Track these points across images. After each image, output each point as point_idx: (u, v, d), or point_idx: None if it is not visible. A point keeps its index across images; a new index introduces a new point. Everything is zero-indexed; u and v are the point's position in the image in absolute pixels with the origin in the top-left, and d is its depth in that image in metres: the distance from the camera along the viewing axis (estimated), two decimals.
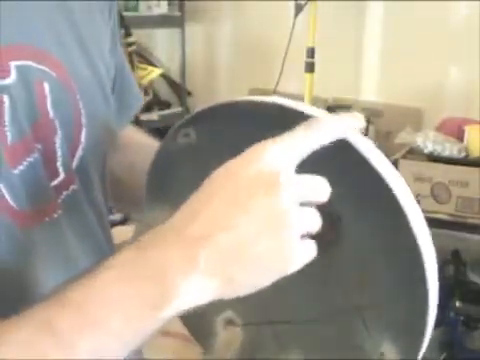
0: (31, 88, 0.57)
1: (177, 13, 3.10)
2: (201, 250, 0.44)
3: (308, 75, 2.32)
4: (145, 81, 2.86)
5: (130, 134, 0.82)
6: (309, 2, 2.31)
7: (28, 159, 0.56)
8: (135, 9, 2.98)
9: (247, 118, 0.57)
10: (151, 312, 0.47)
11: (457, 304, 2.34)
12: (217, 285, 0.45)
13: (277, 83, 2.47)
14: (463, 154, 2.11)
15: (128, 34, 2.80)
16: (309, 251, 0.47)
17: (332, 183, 0.49)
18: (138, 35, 2.95)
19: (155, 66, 3.00)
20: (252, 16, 2.97)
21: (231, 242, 0.44)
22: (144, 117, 2.77)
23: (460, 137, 2.19)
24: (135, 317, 0.46)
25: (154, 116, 2.96)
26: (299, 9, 2.33)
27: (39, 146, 0.57)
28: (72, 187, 0.61)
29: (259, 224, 0.45)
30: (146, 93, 2.92)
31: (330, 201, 0.51)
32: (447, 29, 2.58)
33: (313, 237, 0.50)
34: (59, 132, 0.59)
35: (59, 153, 0.59)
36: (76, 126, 0.61)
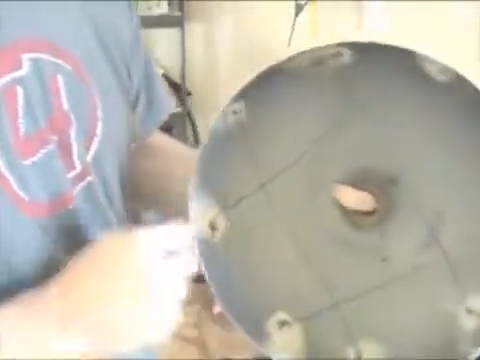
0: (45, 80, 0.57)
1: (177, 13, 3.10)
2: (74, 321, 0.51)
3: None
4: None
5: (158, 140, 0.82)
6: (309, 2, 2.31)
7: (42, 151, 0.57)
8: (135, 9, 2.97)
9: (303, 82, 0.56)
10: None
11: None
12: (84, 347, 0.51)
13: None
14: None
15: None
16: (174, 316, 0.53)
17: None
18: None
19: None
20: (252, 16, 2.97)
21: (99, 318, 0.51)
22: None
23: None
24: None
25: None
26: (299, 9, 2.33)
27: (55, 138, 0.58)
28: (88, 179, 0.62)
29: (126, 307, 0.51)
30: None
31: (385, 164, 0.56)
32: (447, 30, 2.58)
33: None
34: (74, 124, 0.60)
35: (75, 145, 0.60)
36: (92, 119, 0.62)
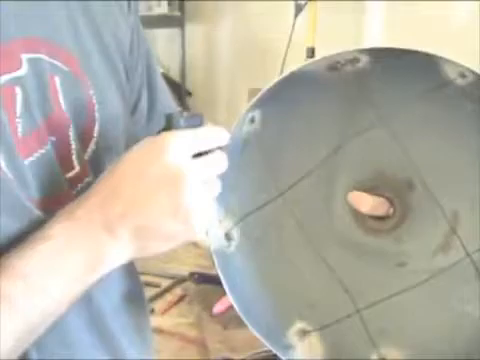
0: (43, 81, 0.58)
1: (177, 13, 3.10)
2: (120, 227, 0.53)
3: None
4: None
5: None
6: (309, 2, 2.31)
7: (40, 151, 0.57)
8: None
9: (320, 88, 0.57)
10: (82, 278, 0.54)
11: None
12: (132, 252, 0.55)
13: None
14: None
15: None
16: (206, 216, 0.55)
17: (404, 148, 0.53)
18: None
19: None
20: (252, 16, 2.97)
21: (143, 221, 0.53)
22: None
23: None
24: (70, 284, 0.53)
25: None
26: (299, 9, 2.33)
27: (53, 138, 0.58)
28: (86, 179, 0.62)
29: (166, 209, 0.53)
30: None
31: (401, 168, 0.57)
32: (447, 29, 2.58)
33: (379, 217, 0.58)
34: (72, 125, 0.60)
35: (73, 146, 0.60)
36: (89, 120, 0.62)
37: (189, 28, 3.15)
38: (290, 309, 0.64)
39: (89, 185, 0.61)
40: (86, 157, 0.63)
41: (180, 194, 0.53)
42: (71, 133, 0.60)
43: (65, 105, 0.60)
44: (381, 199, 0.61)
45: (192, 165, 0.54)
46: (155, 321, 1.27)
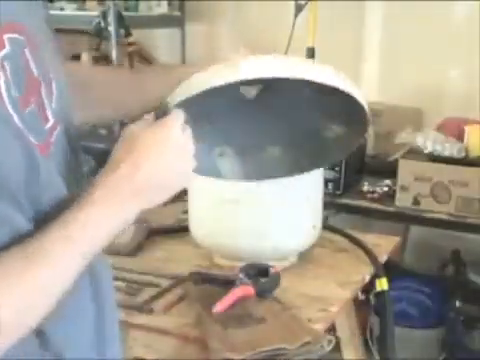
0: (20, 55, 0.72)
1: (177, 13, 3.10)
2: (145, 191, 0.76)
3: None
4: None
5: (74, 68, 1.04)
6: (309, 2, 2.31)
7: (28, 109, 0.72)
8: (135, 9, 2.98)
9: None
10: (116, 225, 0.75)
11: (457, 304, 2.33)
12: (144, 207, 0.76)
13: None
14: (463, 154, 2.11)
15: (128, 34, 2.80)
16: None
17: None
18: (138, 35, 2.96)
19: None
20: (252, 16, 2.97)
21: (162, 182, 0.78)
22: (144, 117, 2.77)
23: (460, 137, 2.19)
24: (108, 237, 0.74)
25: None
26: (299, 9, 2.33)
27: (33, 99, 0.74)
28: (58, 128, 0.79)
29: (178, 168, 0.79)
30: None
31: None
32: (447, 29, 2.58)
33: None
34: (43, 86, 0.76)
35: (46, 102, 0.76)
36: (49, 79, 0.78)
37: (189, 28, 3.16)
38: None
39: (59, 132, 0.79)
40: (54, 108, 0.78)
41: (188, 155, 0.80)
42: (43, 92, 0.76)
43: (36, 70, 0.74)
44: None
45: (187, 136, 0.80)
46: (155, 321, 1.27)
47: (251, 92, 0.96)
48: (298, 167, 1.04)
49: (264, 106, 0.97)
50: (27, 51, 0.73)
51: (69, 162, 0.81)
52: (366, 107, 0.89)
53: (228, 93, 0.85)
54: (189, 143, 0.80)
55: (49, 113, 0.77)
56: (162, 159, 0.77)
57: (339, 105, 0.91)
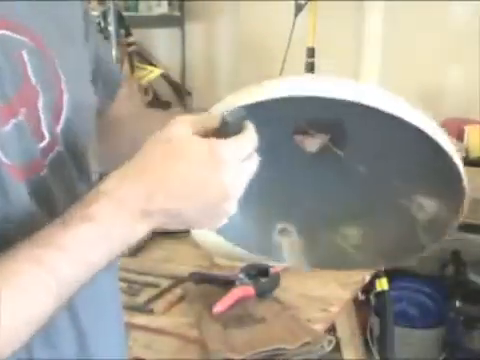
0: (11, 56, 0.61)
1: (177, 13, 3.10)
2: (158, 214, 0.57)
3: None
4: (145, 81, 2.86)
5: (123, 106, 0.87)
6: (309, 2, 2.31)
7: (13, 121, 0.60)
8: (135, 9, 2.98)
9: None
10: (120, 249, 0.58)
11: (457, 304, 2.33)
12: (155, 225, 0.58)
13: None
14: (463, 154, 2.11)
15: (128, 34, 2.80)
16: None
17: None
18: (138, 35, 2.96)
19: (155, 66, 3.00)
20: (252, 16, 2.97)
21: (183, 206, 0.57)
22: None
23: (460, 137, 2.19)
24: (106, 258, 0.57)
25: None
26: (299, 9, 2.33)
27: (23, 110, 0.61)
28: (57, 148, 0.65)
29: (211, 193, 0.57)
30: (146, 93, 2.92)
31: (333, 113, 0.62)
32: (447, 29, 2.58)
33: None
34: (41, 97, 0.63)
35: (43, 117, 0.63)
36: (57, 91, 0.65)
37: (189, 28, 3.16)
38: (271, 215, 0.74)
39: (60, 154, 0.65)
40: (59, 127, 0.65)
41: (222, 176, 0.56)
42: (40, 104, 0.63)
43: (34, 77, 0.63)
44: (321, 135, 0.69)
45: (229, 146, 0.57)
46: (155, 321, 1.27)
47: (312, 144, 0.70)
48: (380, 258, 0.75)
49: (335, 170, 0.72)
50: (25, 54, 0.62)
51: (70, 193, 0.66)
52: (461, 170, 0.64)
53: (288, 148, 0.67)
54: (243, 180, 0.58)
55: (45, 130, 0.63)
56: (198, 189, 0.56)
57: (421, 168, 0.67)
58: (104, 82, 0.81)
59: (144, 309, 1.30)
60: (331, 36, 2.57)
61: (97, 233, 0.55)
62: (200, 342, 1.18)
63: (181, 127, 0.57)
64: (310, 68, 2.31)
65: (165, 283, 1.40)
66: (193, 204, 0.57)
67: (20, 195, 0.60)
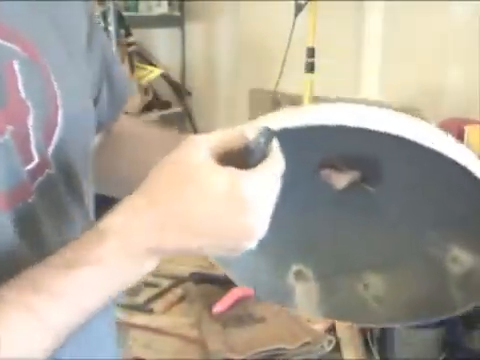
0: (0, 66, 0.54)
1: (177, 13, 3.10)
2: (171, 250, 0.51)
3: (308, 75, 2.32)
4: (145, 81, 2.86)
5: (125, 124, 0.80)
6: (309, 2, 2.31)
7: None
8: (135, 9, 2.98)
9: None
10: (117, 293, 0.52)
11: None
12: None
13: (277, 83, 2.46)
14: None
15: (128, 34, 2.80)
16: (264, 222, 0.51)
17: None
18: (138, 35, 2.95)
19: (155, 66, 3.00)
20: (252, 16, 2.97)
21: (202, 245, 0.50)
22: (144, 117, 2.77)
23: (460, 137, 2.19)
24: (105, 300, 0.51)
25: (154, 116, 2.96)
26: (299, 9, 2.33)
27: (10, 127, 0.54)
28: (47, 171, 0.58)
29: (231, 232, 0.50)
30: (146, 93, 2.92)
31: (369, 148, 0.56)
32: (447, 29, 2.57)
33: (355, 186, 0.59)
34: (32, 113, 0.56)
35: (32, 135, 0.56)
36: (51, 107, 0.58)
37: (189, 28, 3.15)
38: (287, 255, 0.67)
39: (50, 178, 0.58)
40: (52, 147, 0.58)
41: (244, 218, 0.49)
42: (30, 121, 0.55)
43: (24, 92, 0.55)
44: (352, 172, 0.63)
45: (253, 181, 0.49)
46: (155, 321, 1.27)
47: (340, 180, 0.63)
48: (404, 313, 0.67)
49: (362, 210, 0.65)
50: (16, 64, 0.55)
51: (61, 220, 0.60)
52: None
53: (311, 182, 0.61)
54: (267, 217, 0.50)
55: (34, 150, 0.56)
56: (215, 227, 0.49)
57: (461, 214, 0.60)
58: (109, 97, 0.74)
59: (144, 309, 1.30)
60: (331, 36, 2.57)
61: (100, 277, 0.49)
62: (200, 342, 1.18)
63: (196, 150, 0.49)
64: (310, 68, 2.31)
65: (165, 283, 1.40)
66: (208, 242, 0.50)
67: (2, 227, 0.53)
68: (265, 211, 0.50)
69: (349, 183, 0.63)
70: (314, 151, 0.60)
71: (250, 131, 0.50)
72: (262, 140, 0.50)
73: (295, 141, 0.52)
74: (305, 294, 0.67)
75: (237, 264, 0.59)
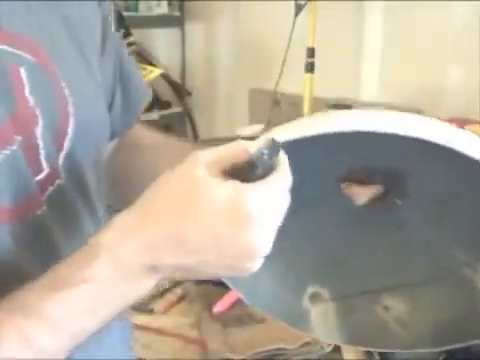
0: (6, 73, 0.52)
1: (177, 13, 3.10)
2: (171, 271, 0.49)
3: (308, 75, 2.32)
4: (145, 81, 2.86)
5: (139, 133, 0.77)
6: (309, 2, 2.31)
7: (4, 152, 0.51)
8: (135, 9, 2.98)
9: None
10: (114, 314, 0.50)
11: None
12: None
13: (277, 83, 2.46)
14: None
15: (128, 34, 2.80)
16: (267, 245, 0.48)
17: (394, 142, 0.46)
18: (138, 35, 2.96)
19: (155, 66, 3.00)
20: (252, 16, 2.97)
21: (199, 265, 0.48)
22: (144, 117, 2.77)
23: None
24: (101, 323, 0.49)
25: (154, 116, 2.96)
26: (299, 9, 2.33)
27: (19, 138, 0.52)
28: (58, 182, 0.56)
29: (231, 251, 0.47)
30: None
31: (395, 160, 0.52)
32: (447, 29, 2.57)
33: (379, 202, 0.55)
34: (41, 122, 0.54)
35: (42, 145, 0.54)
36: (62, 115, 0.56)
37: (189, 28, 3.15)
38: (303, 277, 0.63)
39: (61, 188, 0.56)
40: (62, 156, 0.57)
41: (247, 234, 0.46)
42: (39, 131, 0.54)
43: (33, 99, 0.54)
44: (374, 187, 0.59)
45: (257, 195, 0.46)
46: (155, 321, 1.27)
47: (362, 195, 0.59)
48: (429, 338, 0.62)
49: (384, 227, 0.61)
50: (24, 71, 0.53)
51: (73, 231, 0.59)
52: None
53: (329, 197, 0.58)
54: (272, 235, 0.47)
55: (44, 160, 0.54)
56: (215, 245, 0.46)
57: None
58: (123, 102, 0.72)
59: (144, 309, 1.30)
60: (331, 36, 2.57)
61: (93, 297, 0.47)
62: (200, 342, 1.18)
63: (198, 166, 0.47)
64: (310, 68, 2.31)
65: (165, 283, 1.40)
66: (205, 258, 0.47)
67: (13, 238, 0.52)
68: (270, 227, 0.46)
69: (370, 199, 0.59)
70: (334, 164, 0.56)
71: (253, 144, 0.48)
72: (265, 152, 0.46)
73: (310, 156, 0.49)
74: (321, 315, 0.63)
75: (246, 285, 0.56)
